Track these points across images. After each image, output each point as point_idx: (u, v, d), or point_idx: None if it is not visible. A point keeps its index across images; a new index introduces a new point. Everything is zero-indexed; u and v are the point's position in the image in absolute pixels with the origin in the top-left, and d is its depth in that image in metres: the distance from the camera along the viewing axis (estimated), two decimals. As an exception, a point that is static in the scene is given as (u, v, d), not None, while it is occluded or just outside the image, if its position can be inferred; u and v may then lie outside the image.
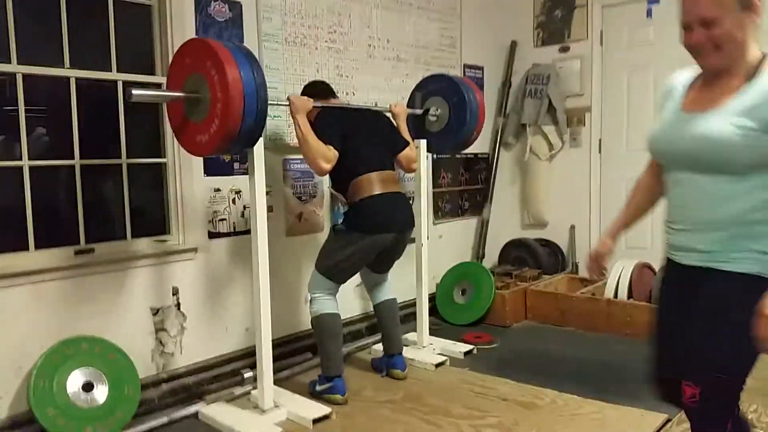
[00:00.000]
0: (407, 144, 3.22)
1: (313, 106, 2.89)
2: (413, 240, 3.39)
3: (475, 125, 3.52)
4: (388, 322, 3.24)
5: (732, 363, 1.54)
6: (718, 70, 1.57)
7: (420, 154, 3.46)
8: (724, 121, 1.49)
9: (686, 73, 1.72)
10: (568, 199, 4.82)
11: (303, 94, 3.11)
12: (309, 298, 3.00)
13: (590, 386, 3.02)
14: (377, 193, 2.95)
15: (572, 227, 4.82)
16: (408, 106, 3.47)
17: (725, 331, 1.51)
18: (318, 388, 2.95)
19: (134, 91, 2.31)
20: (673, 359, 1.69)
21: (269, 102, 2.44)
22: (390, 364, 3.21)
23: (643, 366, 3.30)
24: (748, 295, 1.46)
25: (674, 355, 1.69)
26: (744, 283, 1.52)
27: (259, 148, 2.59)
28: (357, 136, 2.95)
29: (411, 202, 3.33)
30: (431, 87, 3.60)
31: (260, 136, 2.49)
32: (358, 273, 3.19)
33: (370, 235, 2.93)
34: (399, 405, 2.87)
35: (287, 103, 2.85)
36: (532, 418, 2.70)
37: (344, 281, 3.05)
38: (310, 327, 3.46)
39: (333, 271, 2.97)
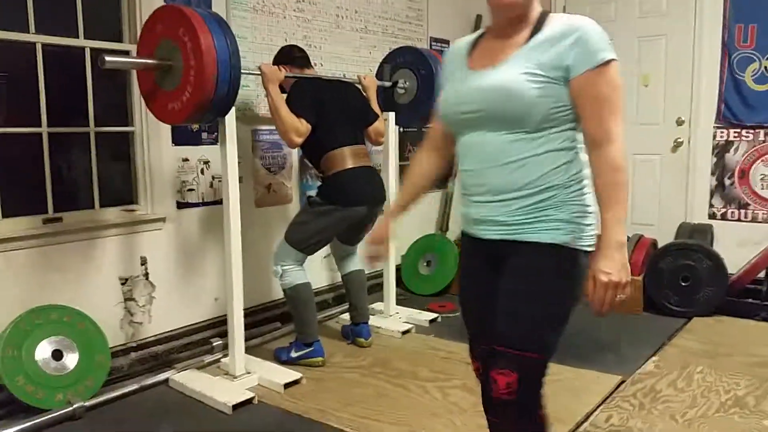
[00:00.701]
0: (377, 117, 3.26)
1: (285, 77, 2.90)
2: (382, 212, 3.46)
3: None
4: (355, 292, 3.31)
5: (551, 337, 1.48)
6: (514, 11, 1.47)
7: (388, 127, 3.51)
8: (515, 71, 1.42)
9: (465, 38, 1.65)
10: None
11: (277, 59, 3.11)
12: (279, 271, 3.03)
13: (550, 351, 3.15)
14: (350, 167, 2.99)
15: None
16: (376, 79, 3.50)
17: (541, 304, 1.45)
18: (294, 354, 3.01)
19: (107, 58, 2.28)
20: (487, 335, 1.57)
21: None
22: (355, 332, 3.29)
23: (598, 334, 3.46)
24: (559, 266, 1.44)
25: (487, 332, 1.56)
26: (553, 253, 1.44)
27: (230, 117, 2.60)
28: (330, 110, 2.98)
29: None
30: (399, 59, 3.64)
31: (233, 104, 2.50)
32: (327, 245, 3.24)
33: (344, 208, 2.98)
34: (368, 370, 2.96)
35: (258, 72, 2.85)
36: (496, 380, 2.82)
37: (313, 253, 3.10)
38: (277, 297, 3.54)
39: (306, 243, 3.00)
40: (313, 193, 3.11)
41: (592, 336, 3.40)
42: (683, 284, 3.71)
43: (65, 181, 2.81)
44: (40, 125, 2.65)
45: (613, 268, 1.37)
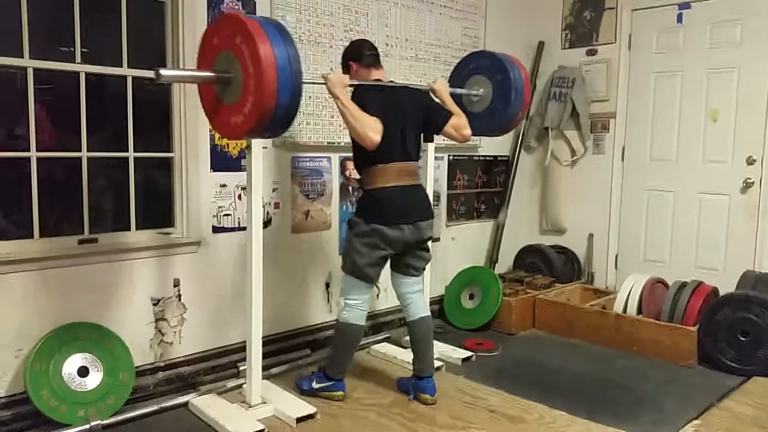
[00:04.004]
0: (449, 115, 3.04)
1: (349, 84, 2.80)
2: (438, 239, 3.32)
3: (520, 105, 3.33)
4: (421, 341, 3.02)
5: None
6: None
7: (428, 152, 3.45)
8: None
9: None
10: (588, 206, 4.72)
11: (346, 54, 3.05)
12: (341, 304, 2.95)
13: (583, 403, 2.97)
14: (394, 184, 2.85)
15: (591, 235, 4.72)
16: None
17: None
18: (316, 385, 2.97)
19: (162, 72, 2.24)
20: None
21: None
22: (418, 387, 2.99)
23: (641, 386, 3.22)
24: None
25: None
26: None
27: (257, 143, 2.62)
28: (389, 121, 2.78)
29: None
30: (472, 65, 3.46)
31: (296, 114, 2.32)
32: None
33: (386, 226, 2.81)
34: (385, 409, 2.88)
35: (322, 81, 2.75)
36: (516, 432, 2.68)
37: (372, 279, 2.93)
38: (310, 324, 3.56)
39: (356, 268, 2.87)
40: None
41: (635, 388, 3.18)
42: (742, 339, 3.40)
43: (102, 203, 2.92)
44: (80, 150, 2.78)
45: None
